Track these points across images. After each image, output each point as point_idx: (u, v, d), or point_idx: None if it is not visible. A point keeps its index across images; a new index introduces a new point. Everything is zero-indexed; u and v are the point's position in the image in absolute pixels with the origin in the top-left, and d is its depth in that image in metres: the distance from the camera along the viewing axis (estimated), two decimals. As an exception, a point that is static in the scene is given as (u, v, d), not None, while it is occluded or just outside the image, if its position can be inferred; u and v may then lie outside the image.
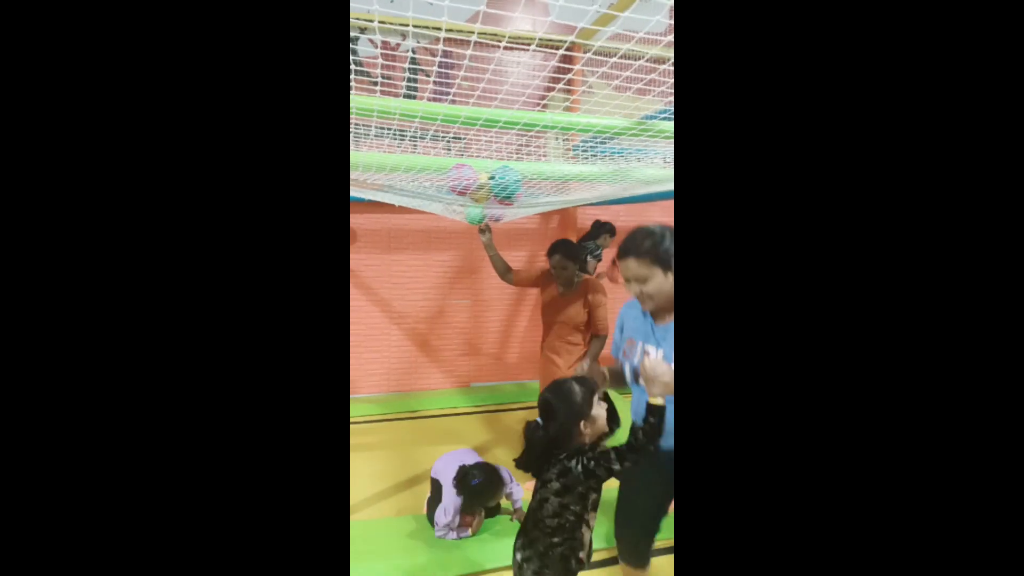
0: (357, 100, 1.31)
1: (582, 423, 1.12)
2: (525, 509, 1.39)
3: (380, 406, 3.54)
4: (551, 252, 2.26)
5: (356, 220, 3.64)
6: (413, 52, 3.37)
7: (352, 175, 1.81)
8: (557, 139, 3.36)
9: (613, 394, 1.24)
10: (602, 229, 3.59)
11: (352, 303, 3.71)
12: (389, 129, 1.64)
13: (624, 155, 2.04)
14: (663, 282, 1.13)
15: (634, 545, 1.36)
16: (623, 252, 1.16)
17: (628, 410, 1.27)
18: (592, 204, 3.55)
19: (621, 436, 1.17)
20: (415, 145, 2.00)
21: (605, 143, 1.93)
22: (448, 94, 1.41)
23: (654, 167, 1.99)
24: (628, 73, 1.32)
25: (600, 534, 1.32)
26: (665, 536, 1.32)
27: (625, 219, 4.15)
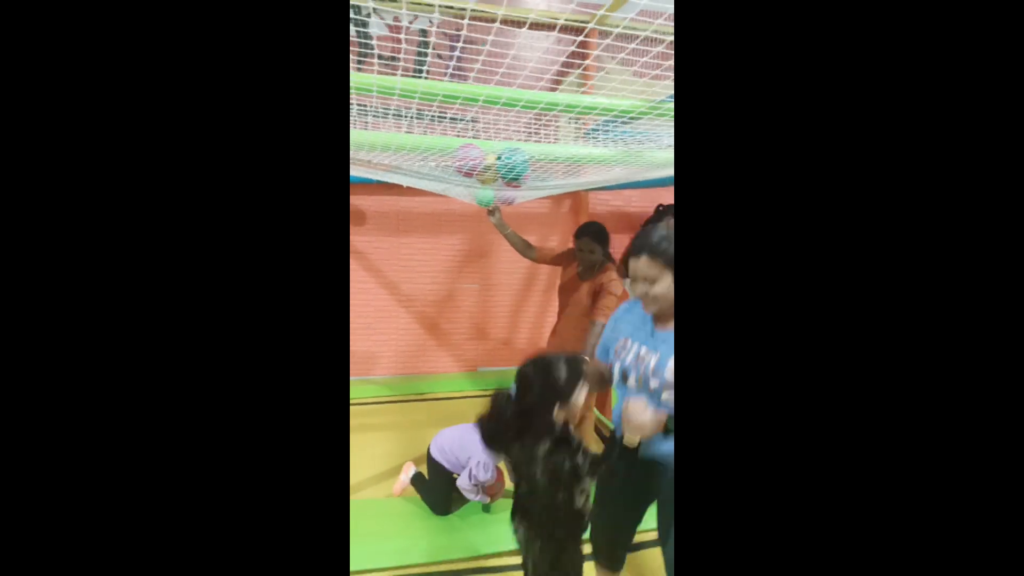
0: (360, 78, 1.28)
1: (557, 405, 1.06)
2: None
3: (387, 388, 3.56)
4: (581, 233, 2.20)
5: (365, 202, 3.62)
6: (423, 32, 3.31)
7: (359, 155, 1.78)
8: (570, 122, 3.30)
9: None
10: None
11: (360, 285, 3.71)
12: (396, 110, 1.61)
13: (637, 138, 1.99)
14: (671, 286, 1.10)
15: (610, 550, 1.35)
16: (637, 248, 1.12)
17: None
18: (604, 188, 3.50)
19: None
20: (424, 125, 1.97)
21: (617, 125, 1.88)
22: (466, 75, 1.37)
23: (666, 150, 1.94)
24: (641, 58, 1.28)
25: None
26: (646, 527, 1.31)
27: (638, 204, 4.08)
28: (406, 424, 3.03)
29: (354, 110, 1.58)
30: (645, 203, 4.08)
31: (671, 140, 1.80)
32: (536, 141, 2.17)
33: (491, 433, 1.09)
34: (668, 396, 1.09)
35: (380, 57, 3.00)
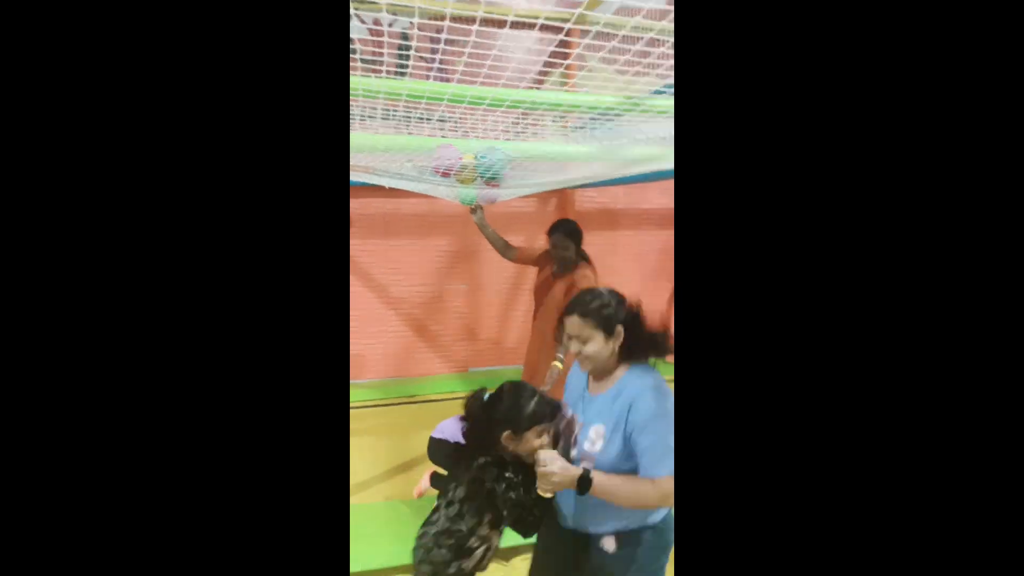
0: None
1: (507, 433, 1.08)
2: None
3: (378, 391, 3.54)
4: (553, 230, 2.19)
5: (350, 205, 3.61)
6: (405, 33, 3.30)
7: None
8: (554, 120, 3.30)
9: None
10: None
11: (349, 288, 3.69)
12: (369, 110, 1.60)
13: (616, 134, 1.99)
14: (603, 347, 1.10)
15: None
16: (569, 309, 1.13)
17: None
18: (588, 185, 3.50)
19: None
20: (407, 126, 1.96)
21: (600, 122, 1.88)
22: (444, 73, 1.37)
23: (645, 146, 1.93)
24: (624, 55, 1.27)
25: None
26: None
27: (624, 201, 4.09)
28: (398, 427, 3.02)
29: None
30: (631, 200, 4.09)
31: (647, 136, 1.80)
32: (519, 139, 2.17)
33: (469, 426, 1.12)
34: (586, 466, 1.07)
35: (363, 60, 2.99)
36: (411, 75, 1.43)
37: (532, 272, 2.50)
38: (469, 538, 1.11)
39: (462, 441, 1.92)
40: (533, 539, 1.21)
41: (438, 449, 1.97)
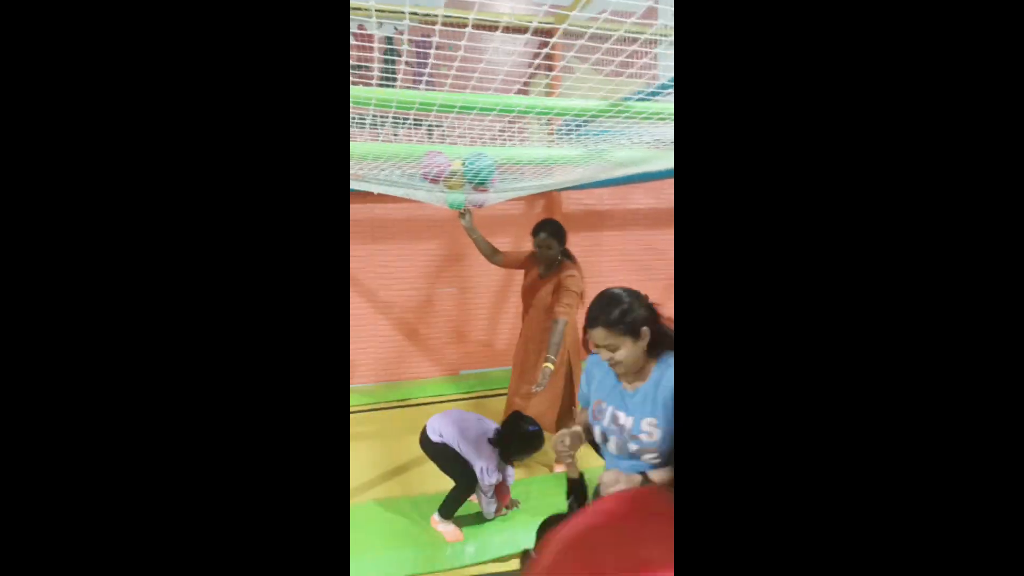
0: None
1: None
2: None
3: (369, 396, 3.55)
4: (537, 230, 2.23)
5: (339, 210, 3.61)
6: (390, 40, 3.31)
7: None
8: (540, 123, 3.33)
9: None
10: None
11: (338, 294, 3.69)
12: (360, 117, 1.62)
13: (604, 137, 2.02)
14: (632, 349, 1.13)
15: None
16: (591, 321, 1.15)
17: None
18: (575, 188, 3.53)
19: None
20: (392, 133, 1.97)
21: (586, 125, 1.91)
22: (429, 79, 1.38)
23: (630, 149, 1.97)
24: (609, 59, 1.30)
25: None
26: None
27: (610, 202, 4.13)
28: (390, 431, 3.03)
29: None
30: (616, 201, 4.14)
31: (631, 140, 1.84)
32: (501, 143, 2.20)
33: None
34: (650, 456, 1.12)
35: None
36: (399, 82, 1.45)
37: (520, 274, 2.54)
38: None
39: (459, 445, 1.93)
40: None
41: (439, 453, 2.00)
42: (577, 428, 1.23)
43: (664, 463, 1.12)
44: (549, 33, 3.54)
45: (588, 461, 1.40)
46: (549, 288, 2.26)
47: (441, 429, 2.00)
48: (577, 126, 1.96)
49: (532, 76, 3.47)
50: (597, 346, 1.15)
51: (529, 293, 2.34)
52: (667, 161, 1.99)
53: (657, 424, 1.12)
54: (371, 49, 3.34)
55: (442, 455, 2.00)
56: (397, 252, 3.79)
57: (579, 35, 1.19)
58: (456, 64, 1.20)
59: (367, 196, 3.43)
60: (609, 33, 1.25)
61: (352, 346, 3.77)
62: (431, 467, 2.57)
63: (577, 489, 1.15)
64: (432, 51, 1.10)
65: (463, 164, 1.70)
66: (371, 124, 1.62)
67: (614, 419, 1.19)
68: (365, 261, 3.74)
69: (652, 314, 1.16)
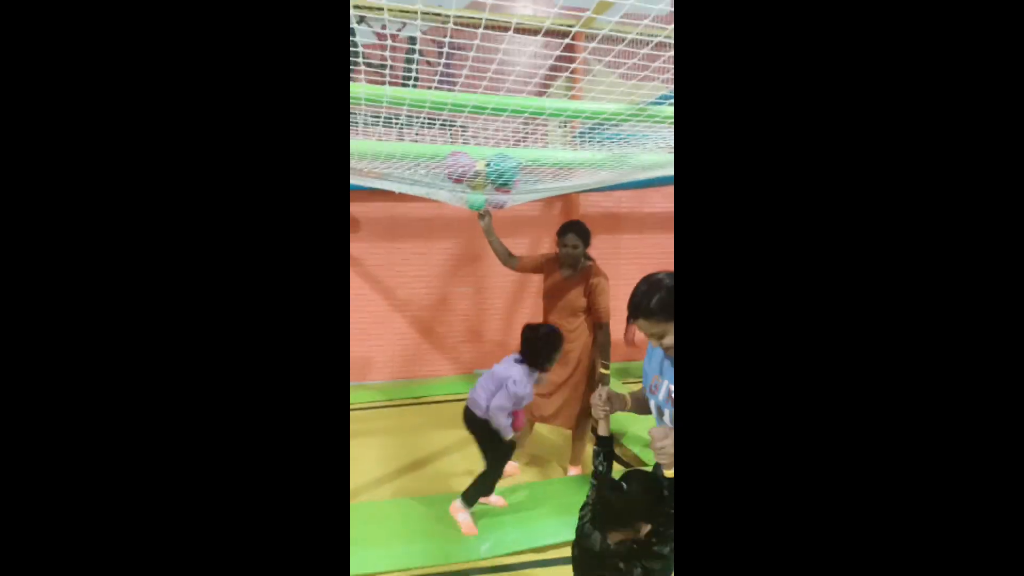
0: (353, 88, 1.31)
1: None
2: None
3: (384, 393, 3.58)
4: (565, 230, 2.27)
5: (358, 209, 3.65)
6: (412, 40, 3.34)
7: (351, 164, 1.81)
8: (561, 126, 3.35)
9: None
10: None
11: (355, 291, 3.73)
12: (387, 116, 1.65)
13: (625, 141, 2.03)
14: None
15: None
16: (632, 314, 1.16)
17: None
18: (594, 190, 3.54)
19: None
20: (415, 132, 2.00)
21: (606, 129, 1.92)
22: (454, 82, 1.40)
23: (653, 152, 1.98)
24: (627, 60, 1.31)
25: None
26: None
27: (628, 205, 4.13)
28: (403, 428, 3.06)
29: (345, 119, 1.61)
30: (634, 204, 4.13)
31: (655, 143, 1.84)
32: (526, 145, 2.21)
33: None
34: None
35: (369, 65, 3.03)
36: (417, 81, 1.46)
37: (535, 276, 2.55)
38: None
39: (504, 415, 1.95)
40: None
41: (479, 427, 2.03)
42: (621, 393, 1.29)
43: None
44: (574, 37, 3.55)
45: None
46: (578, 290, 2.28)
47: (478, 399, 2.02)
48: (592, 128, 1.97)
49: (554, 79, 3.48)
50: (648, 336, 1.16)
51: (555, 294, 2.36)
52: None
53: None
54: (400, 50, 3.37)
55: (481, 429, 2.02)
56: (414, 251, 3.82)
57: (602, 39, 1.19)
58: (493, 67, 1.21)
59: (388, 195, 3.47)
60: (626, 36, 1.26)
61: (368, 343, 3.81)
62: (446, 464, 2.60)
63: (607, 447, 1.18)
64: (471, 53, 1.11)
65: (487, 165, 1.72)
66: (399, 124, 1.64)
67: (668, 393, 1.20)
68: (383, 259, 3.77)
69: None
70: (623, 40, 1.27)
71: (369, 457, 2.65)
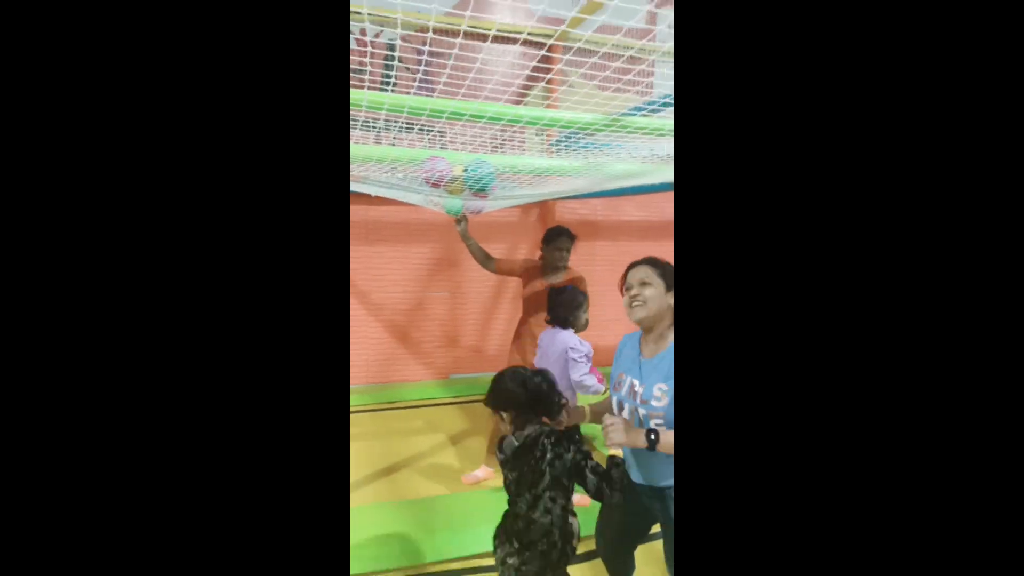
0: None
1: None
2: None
3: (360, 397, 3.55)
4: (557, 234, 2.36)
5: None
6: (391, 45, 3.35)
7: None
8: (537, 134, 3.39)
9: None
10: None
11: (331, 295, 3.70)
12: (365, 120, 1.65)
13: (599, 150, 2.08)
14: (661, 296, 1.21)
15: (621, 563, 1.46)
16: (640, 261, 1.26)
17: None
18: (570, 197, 3.59)
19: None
20: (393, 136, 2.01)
21: (581, 138, 1.96)
22: (433, 88, 1.42)
23: (627, 162, 2.03)
24: (605, 72, 1.35)
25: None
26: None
27: (603, 213, 4.20)
28: (380, 432, 3.03)
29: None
30: (609, 212, 4.20)
31: (628, 153, 1.89)
32: (503, 152, 2.24)
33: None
34: (657, 422, 1.17)
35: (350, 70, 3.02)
36: (396, 86, 1.48)
37: (513, 280, 2.59)
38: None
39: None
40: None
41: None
42: (580, 407, 1.36)
43: (669, 428, 1.17)
44: (550, 49, 3.61)
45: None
46: None
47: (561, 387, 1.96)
48: (568, 136, 2.01)
49: (531, 88, 3.53)
50: (631, 287, 1.23)
51: (539, 299, 2.42)
52: (661, 175, 2.05)
53: (666, 390, 1.17)
54: (378, 56, 3.38)
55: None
56: (391, 255, 3.81)
57: (580, 50, 1.23)
58: (471, 75, 1.23)
59: (364, 198, 3.45)
60: (606, 49, 1.30)
61: (343, 347, 3.77)
62: (420, 469, 2.59)
63: (613, 466, 1.20)
64: (450, 61, 1.13)
65: (464, 170, 1.74)
66: (377, 128, 1.65)
67: (631, 388, 1.24)
68: (360, 263, 3.75)
69: None
70: (597, 53, 1.31)
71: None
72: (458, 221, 2.42)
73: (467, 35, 1.07)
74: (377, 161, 1.74)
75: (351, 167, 1.86)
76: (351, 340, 3.78)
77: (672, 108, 1.93)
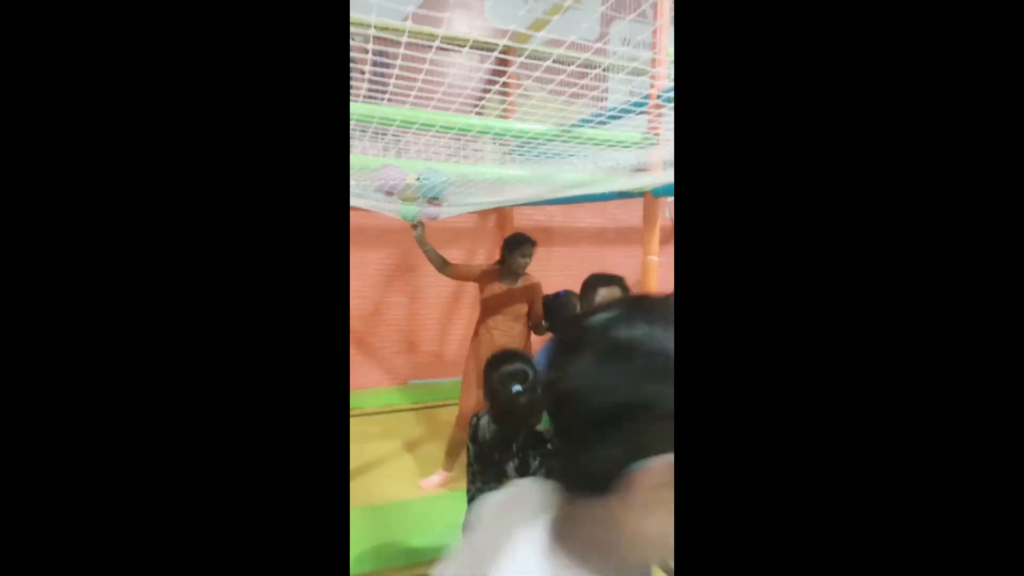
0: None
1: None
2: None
3: (315, 406, 3.48)
4: (522, 242, 2.43)
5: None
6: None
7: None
8: (494, 142, 3.44)
9: None
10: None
11: (285, 302, 3.63)
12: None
13: (554, 160, 2.14)
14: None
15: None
16: (606, 279, 1.44)
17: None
18: (527, 204, 3.65)
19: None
20: (351, 144, 2.01)
21: (536, 147, 2.02)
22: (383, 93, 1.44)
23: (579, 171, 2.10)
24: (561, 76, 1.39)
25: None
26: None
27: (559, 219, 4.29)
28: (334, 441, 3.00)
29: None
30: (565, 219, 4.30)
31: (582, 163, 1.96)
32: (459, 161, 2.28)
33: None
34: None
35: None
36: (360, 96, 1.48)
37: (471, 285, 2.63)
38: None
39: None
40: None
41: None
42: None
43: None
44: (507, 55, 3.66)
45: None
46: (524, 297, 2.47)
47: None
48: (521, 144, 2.06)
49: (487, 97, 3.57)
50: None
51: (497, 302, 2.47)
52: (611, 184, 2.13)
53: None
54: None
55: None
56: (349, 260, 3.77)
57: (535, 58, 1.28)
58: (420, 79, 1.26)
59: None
60: (558, 53, 1.35)
61: (298, 355, 3.70)
62: (378, 476, 2.58)
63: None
64: (397, 64, 1.15)
65: (417, 179, 1.76)
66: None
67: None
68: (314, 269, 3.70)
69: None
70: (550, 57, 1.35)
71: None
72: (414, 227, 2.44)
73: (414, 38, 1.09)
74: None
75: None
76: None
77: (621, 120, 2.02)
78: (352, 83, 3.23)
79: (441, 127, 1.52)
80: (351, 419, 3.35)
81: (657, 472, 0.48)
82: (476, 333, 2.56)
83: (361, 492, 2.42)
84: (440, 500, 2.32)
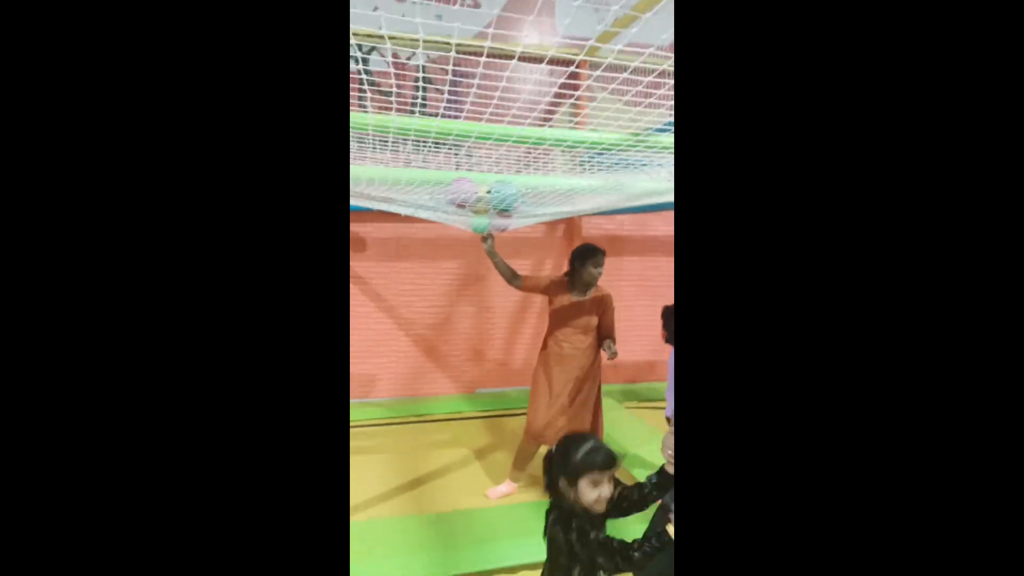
0: (357, 117, 1.39)
1: (563, 482, 1.10)
2: None
3: (387, 410, 3.61)
4: (593, 253, 2.41)
5: (364, 229, 3.73)
6: (424, 68, 3.46)
7: (357, 187, 1.89)
8: (563, 152, 3.43)
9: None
10: None
11: (361, 310, 3.79)
12: (394, 142, 1.72)
13: (626, 168, 2.09)
14: None
15: None
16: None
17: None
18: (596, 214, 3.60)
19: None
20: (422, 159, 2.08)
21: (609, 156, 1.99)
22: (460, 109, 1.47)
23: (653, 180, 2.04)
24: (631, 88, 1.37)
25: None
26: None
27: (629, 228, 4.19)
28: (405, 446, 3.08)
29: (353, 145, 1.69)
30: (636, 227, 4.19)
31: (654, 171, 1.90)
32: (529, 172, 2.28)
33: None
34: None
35: (381, 92, 3.13)
36: (425, 107, 1.53)
37: (538, 295, 2.62)
38: None
39: None
40: None
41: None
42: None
43: None
44: (578, 66, 3.64)
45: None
46: (593, 310, 2.42)
47: None
48: (593, 156, 2.03)
49: (558, 107, 3.57)
50: None
51: (565, 314, 2.45)
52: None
53: None
54: (406, 78, 3.49)
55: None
56: (419, 271, 3.89)
57: (606, 67, 1.26)
58: (497, 95, 1.27)
59: (393, 216, 3.54)
60: (629, 65, 1.32)
61: (372, 361, 3.85)
62: (444, 484, 2.62)
63: (666, 481, 1.17)
64: (476, 81, 1.17)
65: (488, 191, 1.78)
66: (391, 148, 1.70)
67: None
68: (389, 279, 3.84)
69: None
70: (626, 69, 1.33)
71: (371, 474, 2.67)
72: (484, 239, 2.47)
73: (492, 55, 1.10)
74: (406, 183, 1.80)
75: (380, 188, 1.93)
76: (379, 354, 3.86)
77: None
78: (427, 101, 3.35)
79: (515, 140, 1.53)
80: (418, 424, 3.44)
81: None
82: (545, 345, 2.54)
83: (427, 499, 2.46)
84: (506, 511, 2.31)
